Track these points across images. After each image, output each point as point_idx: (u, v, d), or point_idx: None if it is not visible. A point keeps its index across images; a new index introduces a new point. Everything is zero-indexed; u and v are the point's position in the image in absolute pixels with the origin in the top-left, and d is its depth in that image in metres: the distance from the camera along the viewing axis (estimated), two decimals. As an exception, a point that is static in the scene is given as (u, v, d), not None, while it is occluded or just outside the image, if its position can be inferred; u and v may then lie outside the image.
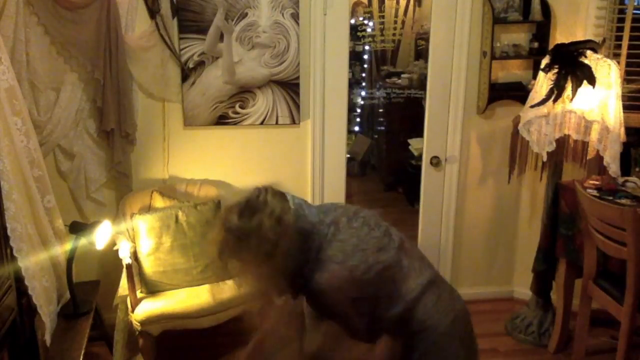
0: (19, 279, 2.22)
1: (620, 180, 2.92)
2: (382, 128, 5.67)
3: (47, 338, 2.39)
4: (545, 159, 3.07)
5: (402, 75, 5.44)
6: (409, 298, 1.60)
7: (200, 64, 3.19)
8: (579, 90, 2.90)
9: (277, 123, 3.35)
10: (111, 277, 3.07)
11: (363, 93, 5.86)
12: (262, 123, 3.34)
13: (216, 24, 3.14)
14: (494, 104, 3.46)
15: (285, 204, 1.53)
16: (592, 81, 2.88)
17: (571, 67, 2.93)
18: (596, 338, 3.18)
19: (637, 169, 3.13)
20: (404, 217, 4.29)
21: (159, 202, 3.13)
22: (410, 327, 1.62)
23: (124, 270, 2.78)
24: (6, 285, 2.12)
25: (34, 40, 2.88)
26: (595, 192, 2.82)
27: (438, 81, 3.47)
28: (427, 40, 3.53)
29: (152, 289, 2.91)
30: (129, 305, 2.79)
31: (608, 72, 2.91)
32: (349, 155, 3.65)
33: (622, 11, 3.30)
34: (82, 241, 2.61)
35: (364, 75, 5.90)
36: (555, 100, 2.96)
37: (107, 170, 3.20)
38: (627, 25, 3.26)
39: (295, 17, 3.21)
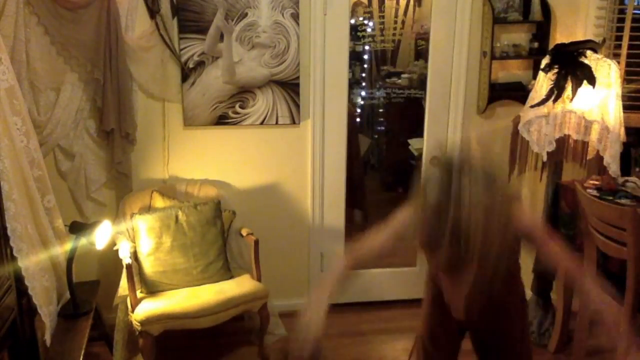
0: (19, 279, 2.22)
1: (620, 180, 2.92)
2: (382, 128, 5.67)
3: (47, 338, 2.39)
4: (545, 159, 3.07)
5: (402, 75, 5.44)
6: None
7: (200, 64, 3.19)
8: (579, 90, 2.91)
9: (277, 123, 3.35)
10: (111, 277, 3.07)
11: (363, 93, 5.85)
12: (262, 123, 3.34)
13: (216, 24, 3.14)
14: (494, 104, 3.46)
15: None
16: (592, 81, 2.88)
17: (571, 67, 2.93)
18: (596, 338, 3.17)
19: (637, 169, 3.13)
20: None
21: (159, 202, 3.13)
22: None
23: (124, 270, 2.78)
24: (6, 285, 2.12)
25: (34, 40, 2.88)
26: (595, 192, 2.82)
27: (438, 81, 3.47)
28: (427, 40, 3.53)
29: (152, 289, 2.91)
30: (129, 305, 2.79)
31: (608, 72, 2.92)
32: (349, 156, 3.64)
33: (622, 11, 3.30)
34: (82, 241, 2.61)
35: (364, 75, 5.90)
36: (555, 100, 2.96)
37: (107, 170, 3.20)
38: (627, 25, 3.27)
39: (295, 17, 3.21)
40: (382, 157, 5.67)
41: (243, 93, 3.28)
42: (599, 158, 3.01)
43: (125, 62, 3.03)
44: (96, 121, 3.12)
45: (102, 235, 2.68)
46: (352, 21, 5.38)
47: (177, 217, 2.99)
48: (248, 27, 3.18)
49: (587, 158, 3.10)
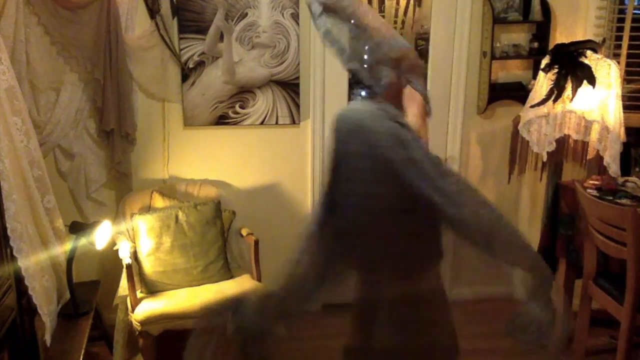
0: (19, 279, 2.22)
1: (620, 180, 2.92)
2: (382, 128, 5.66)
3: (47, 338, 2.39)
4: (545, 159, 3.07)
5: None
6: None
7: (200, 64, 3.19)
8: (579, 90, 2.91)
9: (277, 123, 3.35)
10: (111, 277, 3.07)
11: (363, 93, 5.86)
12: (262, 123, 3.34)
13: (216, 24, 3.14)
14: (494, 104, 3.46)
15: None
16: (592, 81, 2.88)
17: (571, 67, 2.93)
18: (596, 338, 3.17)
19: (637, 169, 3.13)
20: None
21: (159, 202, 3.13)
22: None
23: (124, 270, 2.78)
24: (6, 285, 2.12)
25: (34, 40, 2.88)
26: (595, 192, 2.82)
27: (438, 81, 3.47)
28: (427, 40, 3.53)
29: (152, 289, 2.91)
30: (129, 305, 2.79)
31: (608, 72, 2.92)
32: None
33: (622, 11, 3.30)
34: (82, 241, 2.61)
35: (364, 75, 5.90)
36: (555, 100, 2.96)
37: (107, 170, 3.20)
38: (627, 25, 3.27)
39: (295, 17, 3.21)
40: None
41: (243, 93, 3.28)
42: (599, 158, 3.02)
43: (125, 62, 3.03)
44: (96, 121, 3.12)
45: (102, 235, 2.68)
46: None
47: (177, 217, 2.99)
48: (248, 27, 3.18)
49: (587, 158, 3.10)
